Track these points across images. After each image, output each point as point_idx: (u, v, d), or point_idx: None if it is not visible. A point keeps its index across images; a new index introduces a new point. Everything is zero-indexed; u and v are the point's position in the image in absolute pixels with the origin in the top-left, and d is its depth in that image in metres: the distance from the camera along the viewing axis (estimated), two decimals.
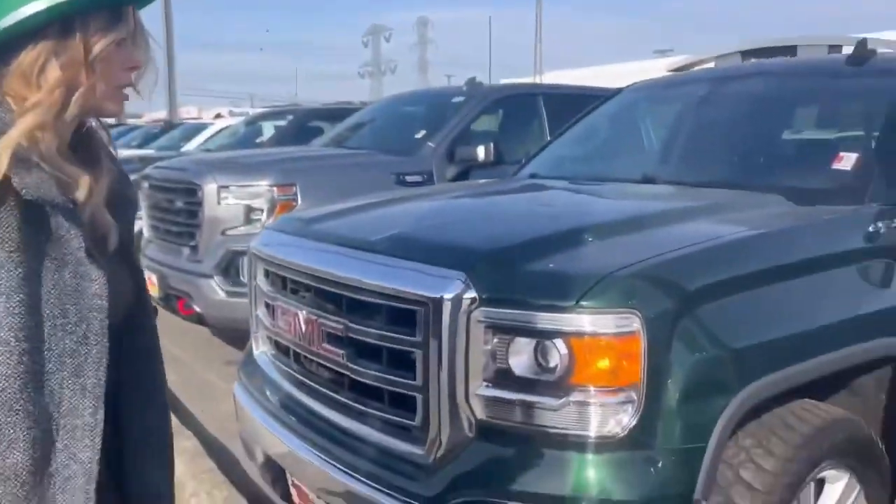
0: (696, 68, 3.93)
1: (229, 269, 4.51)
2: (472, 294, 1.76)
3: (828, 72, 2.96)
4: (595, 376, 1.66)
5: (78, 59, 1.01)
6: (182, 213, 4.75)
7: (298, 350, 2.32)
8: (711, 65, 3.85)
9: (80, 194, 1.03)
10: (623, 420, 1.66)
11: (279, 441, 2.31)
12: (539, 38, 29.86)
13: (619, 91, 3.81)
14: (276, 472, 2.42)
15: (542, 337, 1.70)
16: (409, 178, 4.90)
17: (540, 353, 1.71)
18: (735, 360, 1.77)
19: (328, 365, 2.17)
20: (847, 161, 2.42)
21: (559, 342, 1.68)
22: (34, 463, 0.99)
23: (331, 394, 2.19)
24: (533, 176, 3.28)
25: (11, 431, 0.97)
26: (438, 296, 1.79)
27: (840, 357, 1.98)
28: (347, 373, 2.08)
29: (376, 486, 1.91)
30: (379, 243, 2.08)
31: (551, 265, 1.78)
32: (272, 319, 2.49)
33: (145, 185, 5.07)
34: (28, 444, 0.98)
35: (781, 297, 1.94)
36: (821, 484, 2.00)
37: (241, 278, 4.48)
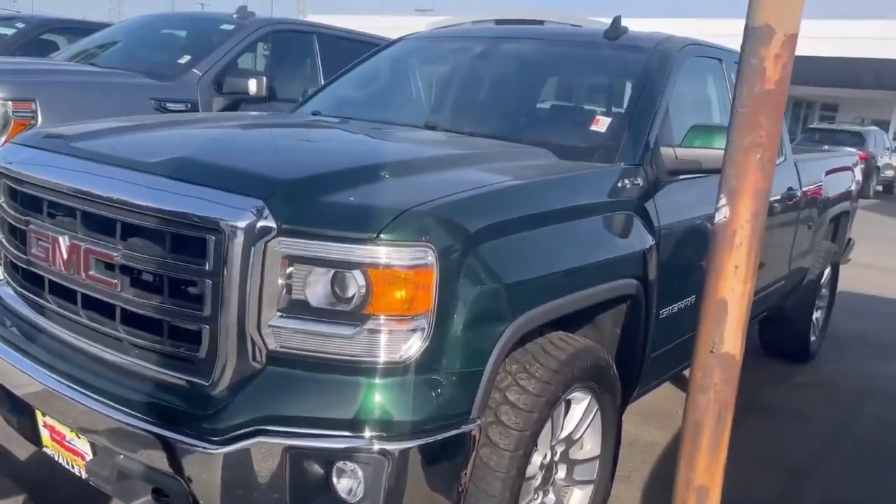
0: (464, 26, 4.14)
1: None
2: (269, 223, 1.73)
3: (590, 42, 3.30)
4: (390, 305, 1.73)
5: None
6: None
7: (56, 279, 2.10)
8: (468, 26, 4.09)
9: None
10: (413, 347, 1.75)
11: (28, 378, 2.08)
12: None
13: (400, 39, 3.87)
14: (21, 411, 2.19)
15: (341, 267, 1.73)
16: (170, 106, 4.56)
17: (337, 283, 1.74)
18: (510, 293, 1.95)
19: (96, 295, 1.99)
20: (603, 124, 2.74)
21: (357, 273, 1.72)
22: None
23: (96, 326, 2.02)
24: (315, 114, 3.23)
25: None
26: (234, 223, 1.73)
27: (591, 294, 2.26)
28: (120, 303, 1.93)
29: (152, 419, 1.82)
30: (162, 165, 1.94)
31: (352, 198, 1.81)
32: (21, 245, 2.21)
33: None
34: None
35: (547, 239, 2.16)
36: (569, 404, 2.29)
37: None
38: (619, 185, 2.52)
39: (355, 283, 1.73)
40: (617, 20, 3.19)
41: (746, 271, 1.73)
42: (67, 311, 2.10)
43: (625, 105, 2.88)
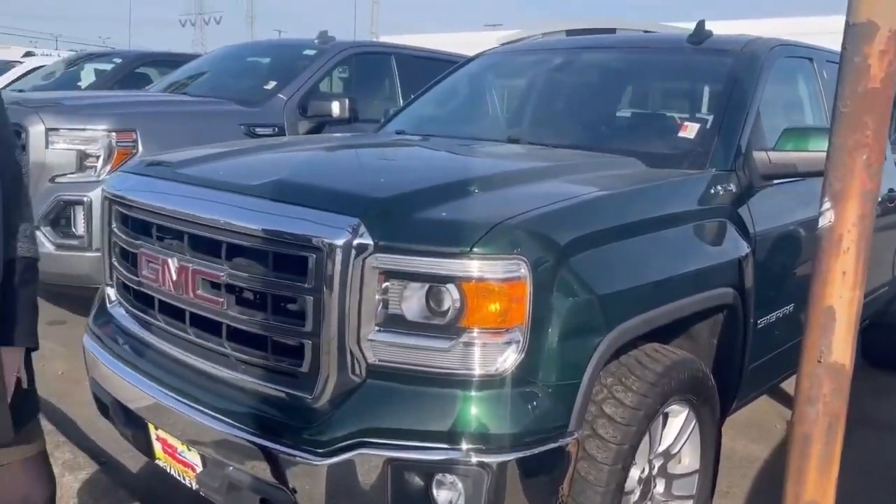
0: (541, 38, 4.15)
1: (59, 219, 4.15)
2: (366, 240, 1.77)
3: (673, 48, 3.25)
4: (484, 319, 1.75)
5: None
6: None
7: (167, 299, 2.21)
8: (539, 39, 4.09)
9: None
10: (508, 359, 1.76)
11: (142, 393, 2.20)
12: None
13: (478, 55, 3.91)
14: (136, 425, 2.30)
15: (436, 282, 1.76)
16: (259, 130, 4.75)
17: (432, 297, 1.77)
18: (604, 305, 1.93)
19: (203, 314, 2.09)
20: (691, 130, 2.69)
21: (452, 287, 1.75)
22: None
23: (204, 343, 2.11)
24: (400, 132, 3.30)
25: None
26: (332, 241, 1.78)
27: (686, 304, 2.22)
28: (226, 321, 2.02)
29: (258, 432, 1.88)
30: (262, 187, 2.03)
31: (444, 213, 1.84)
32: (132, 267, 2.34)
33: None
34: None
35: (639, 249, 2.13)
36: (666, 417, 2.25)
37: (73, 229, 4.16)
38: (711, 191, 2.47)
39: (450, 297, 1.75)
40: (701, 24, 3.13)
41: (855, 277, 1.66)
42: (176, 329, 2.20)
43: (714, 110, 2.82)
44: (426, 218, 1.83)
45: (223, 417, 1.95)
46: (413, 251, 1.76)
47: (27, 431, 1.68)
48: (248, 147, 2.68)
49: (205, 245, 2.06)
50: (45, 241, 4.12)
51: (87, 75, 8.02)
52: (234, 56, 6.19)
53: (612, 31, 4.53)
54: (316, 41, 5.51)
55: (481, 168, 2.45)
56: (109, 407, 2.41)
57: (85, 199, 4.10)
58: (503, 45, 4.31)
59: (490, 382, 1.77)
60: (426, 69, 6.01)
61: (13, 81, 8.62)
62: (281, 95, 4.93)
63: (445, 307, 1.76)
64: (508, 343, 1.76)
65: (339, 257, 1.78)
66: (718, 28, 3.21)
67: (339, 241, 1.78)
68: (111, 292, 2.51)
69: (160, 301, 2.24)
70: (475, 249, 1.73)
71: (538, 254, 1.79)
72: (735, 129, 2.66)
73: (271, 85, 5.06)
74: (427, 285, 1.77)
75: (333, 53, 5.31)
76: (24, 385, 1.63)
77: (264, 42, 6.92)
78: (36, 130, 4.11)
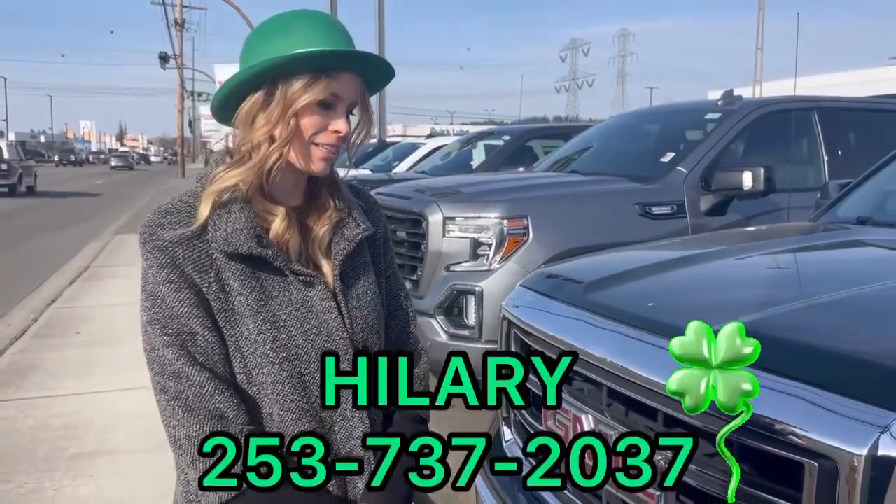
0: None
1: (452, 308, 4.09)
2: None
3: None
4: None
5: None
6: (403, 244, 4.41)
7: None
8: None
9: (275, 225, 1.18)
10: None
11: None
12: (760, 45, 27.24)
13: None
14: None
15: None
16: (655, 210, 4.21)
17: None
18: None
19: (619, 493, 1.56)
20: None
21: None
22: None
23: None
24: (864, 221, 2.43)
25: (292, 426, 1.18)
26: (847, 448, 1.11)
27: None
28: None
29: None
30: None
31: None
32: (536, 413, 1.93)
33: None
34: (307, 426, 1.19)
35: None
36: None
37: (465, 320, 4.05)
38: None
39: None
40: None
41: None
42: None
43: None
44: None
45: None
46: None
47: None
48: (679, 256, 2.12)
49: (635, 412, 1.54)
50: (439, 330, 4.09)
51: (479, 153, 8.42)
52: (624, 126, 5.79)
53: None
54: (719, 102, 4.82)
55: None
56: None
57: (476, 288, 3.97)
58: None
59: None
60: (858, 123, 4.93)
61: (417, 162, 9.49)
62: (681, 168, 4.33)
63: None
64: None
65: (858, 474, 1.10)
66: None
67: (860, 450, 1.10)
68: (507, 433, 2.13)
69: None
70: None
71: None
72: None
73: (668, 157, 4.50)
74: None
75: (742, 115, 4.55)
76: None
77: (658, 108, 6.41)
78: (434, 219, 4.13)
